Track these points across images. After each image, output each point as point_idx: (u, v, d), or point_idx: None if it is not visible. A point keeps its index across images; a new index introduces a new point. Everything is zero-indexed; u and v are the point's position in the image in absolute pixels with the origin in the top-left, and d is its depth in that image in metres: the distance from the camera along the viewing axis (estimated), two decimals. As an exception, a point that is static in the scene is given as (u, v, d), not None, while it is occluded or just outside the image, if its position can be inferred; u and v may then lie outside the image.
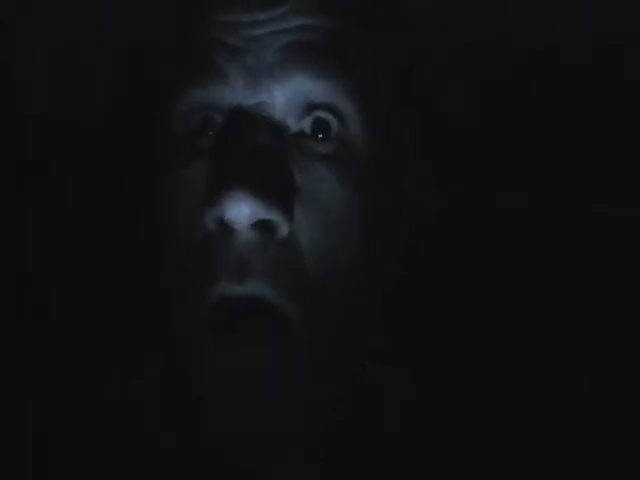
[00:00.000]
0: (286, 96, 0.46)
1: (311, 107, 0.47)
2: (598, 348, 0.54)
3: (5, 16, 0.61)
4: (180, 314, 0.47)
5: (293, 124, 0.47)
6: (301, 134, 0.47)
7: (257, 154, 0.45)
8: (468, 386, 0.51)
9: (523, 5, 0.61)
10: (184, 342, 0.47)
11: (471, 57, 0.60)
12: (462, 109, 0.58)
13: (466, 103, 0.59)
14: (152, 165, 0.52)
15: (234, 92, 0.46)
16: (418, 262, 0.52)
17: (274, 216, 0.44)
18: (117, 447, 0.50)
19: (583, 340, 0.54)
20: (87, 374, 0.53)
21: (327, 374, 0.46)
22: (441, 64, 0.58)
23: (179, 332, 0.47)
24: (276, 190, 0.44)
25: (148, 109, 0.54)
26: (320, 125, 0.47)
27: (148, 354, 0.52)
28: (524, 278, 0.56)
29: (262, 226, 0.44)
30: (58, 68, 0.62)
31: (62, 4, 0.62)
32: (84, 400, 0.52)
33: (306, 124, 0.47)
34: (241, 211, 0.43)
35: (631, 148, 0.59)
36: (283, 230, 0.45)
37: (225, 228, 0.44)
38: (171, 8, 0.53)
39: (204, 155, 0.47)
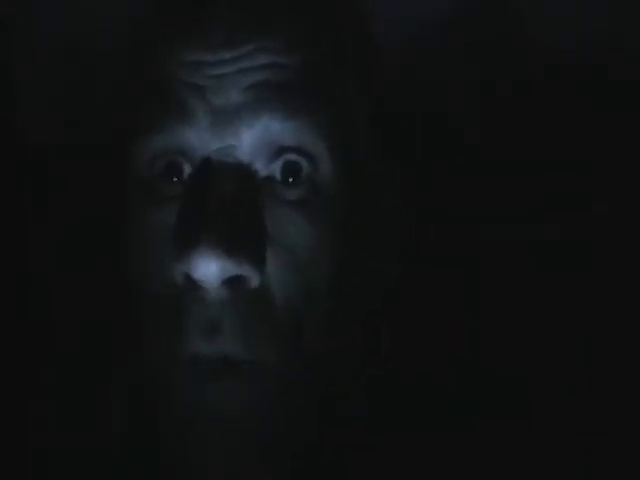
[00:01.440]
0: (254, 138, 0.45)
1: (280, 150, 0.45)
2: (598, 351, 0.53)
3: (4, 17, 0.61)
4: (150, 362, 0.46)
5: (261, 168, 0.45)
6: (270, 179, 0.45)
7: (225, 206, 0.43)
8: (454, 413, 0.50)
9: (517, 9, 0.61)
10: (153, 386, 0.46)
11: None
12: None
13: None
14: (117, 210, 0.50)
15: (199, 134, 0.45)
16: (393, 302, 0.51)
17: (245, 271, 0.42)
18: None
19: (583, 342, 0.54)
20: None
21: (297, 420, 0.45)
22: (415, 97, 0.57)
23: (148, 376, 0.46)
24: (247, 244, 0.43)
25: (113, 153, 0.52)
26: (290, 169, 0.45)
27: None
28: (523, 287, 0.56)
29: (232, 280, 0.43)
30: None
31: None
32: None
33: (276, 168, 0.45)
34: (210, 269, 0.41)
35: (632, 148, 0.58)
36: (254, 282, 0.43)
37: (193, 283, 0.42)
38: (130, 47, 0.51)
39: (169, 203, 0.45)
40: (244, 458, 0.44)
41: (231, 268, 0.42)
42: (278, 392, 0.44)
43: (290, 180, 0.45)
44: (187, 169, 0.45)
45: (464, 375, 0.52)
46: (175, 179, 0.46)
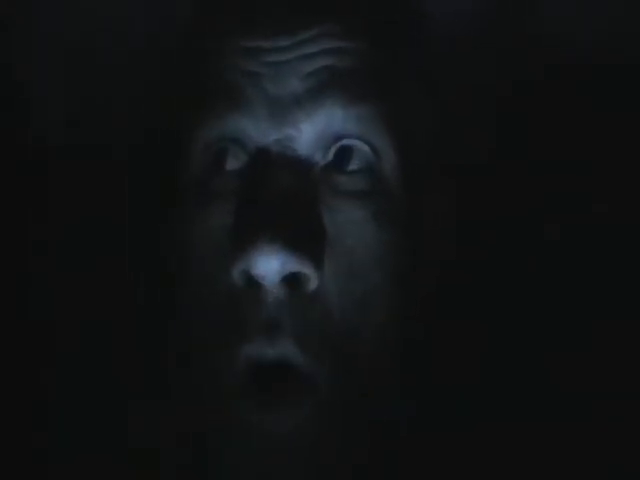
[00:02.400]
0: (314, 128, 0.43)
1: (339, 139, 0.43)
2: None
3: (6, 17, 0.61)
4: (199, 376, 0.44)
5: (320, 158, 0.44)
6: (329, 168, 0.44)
7: (285, 201, 0.42)
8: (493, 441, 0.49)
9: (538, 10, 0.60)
10: (203, 405, 0.44)
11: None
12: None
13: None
14: (164, 211, 0.49)
15: (257, 123, 0.43)
16: (447, 313, 0.50)
17: (305, 268, 0.41)
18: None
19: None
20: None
21: (354, 435, 0.44)
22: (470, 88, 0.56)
23: (198, 395, 0.45)
24: (307, 240, 0.41)
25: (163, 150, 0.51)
26: (347, 154, 0.43)
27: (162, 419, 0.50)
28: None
29: (291, 279, 0.41)
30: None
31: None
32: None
33: (332, 154, 0.43)
34: (271, 266, 0.40)
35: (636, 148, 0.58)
36: (313, 282, 0.42)
37: (252, 282, 0.41)
38: (185, 35, 0.50)
39: (221, 198, 0.44)
40: (298, 473, 0.42)
41: (292, 264, 0.41)
42: (332, 412, 0.42)
43: (349, 168, 0.43)
44: (240, 158, 0.44)
45: (513, 386, 0.51)
46: (228, 168, 0.44)
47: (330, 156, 0.44)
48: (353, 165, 0.44)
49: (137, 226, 0.56)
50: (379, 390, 0.44)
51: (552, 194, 0.57)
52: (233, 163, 0.44)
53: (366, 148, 0.44)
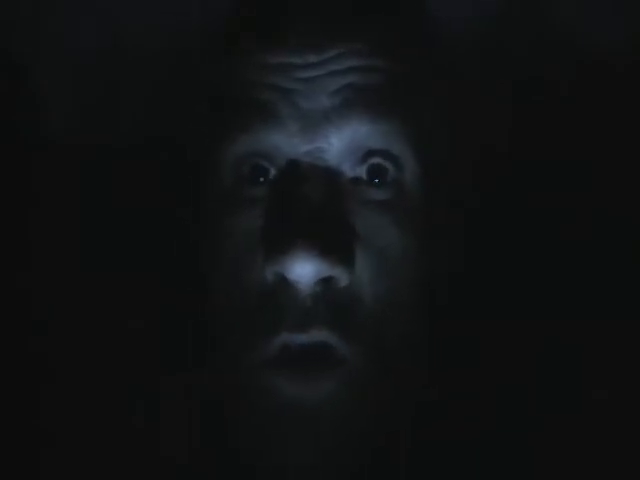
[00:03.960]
0: (342, 142, 0.45)
1: (367, 154, 0.46)
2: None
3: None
4: (231, 364, 0.46)
5: (348, 170, 0.46)
6: (357, 180, 0.46)
7: (317, 208, 0.44)
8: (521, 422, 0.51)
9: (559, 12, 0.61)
10: (233, 393, 0.46)
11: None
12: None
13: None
14: (196, 215, 0.51)
15: (289, 138, 0.45)
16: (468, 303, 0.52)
17: (337, 273, 0.44)
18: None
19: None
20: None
21: (383, 414, 0.46)
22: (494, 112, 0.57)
23: (228, 382, 0.47)
24: (339, 246, 0.44)
25: (193, 157, 0.53)
26: (376, 171, 0.46)
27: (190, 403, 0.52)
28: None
29: (324, 279, 0.44)
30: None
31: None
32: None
33: (362, 171, 0.46)
34: (305, 272, 0.43)
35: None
36: (344, 281, 0.44)
37: (285, 281, 0.44)
38: (216, 51, 0.51)
39: (254, 204, 0.46)
40: (326, 449, 0.44)
41: (325, 270, 0.43)
42: (360, 386, 0.44)
43: (376, 181, 0.46)
44: (273, 172, 0.46)
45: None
46: (261, 179, 0.46)
47: (361, 174, 0.46)
48: (379, 179, 0.46)
49: (166, 227, 0.58)
50: (406, 371, 0.47)
51: (567, 198, 0.58)
52: (264, 176, 0.46)
53: (391, 164, 0.46)
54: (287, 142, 0.45)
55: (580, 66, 0.60)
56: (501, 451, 0.50)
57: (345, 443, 0.45)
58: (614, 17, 0.61)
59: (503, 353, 0.53)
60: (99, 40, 0.61)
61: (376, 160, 0.46)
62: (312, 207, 0.44)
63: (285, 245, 0.43)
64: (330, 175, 0.45)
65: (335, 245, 0.44)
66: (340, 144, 0.45)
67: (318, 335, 0.43)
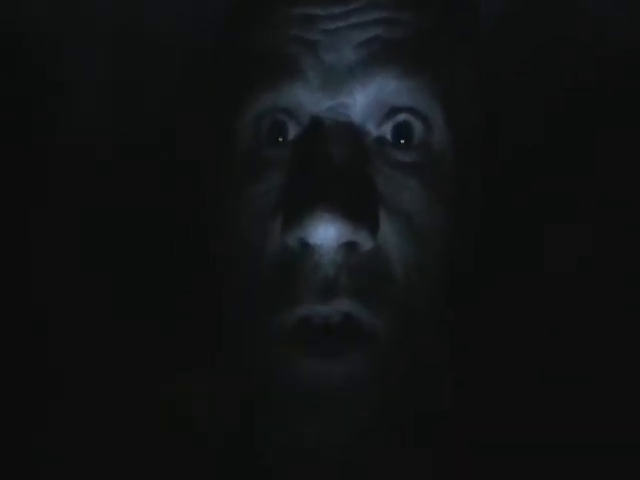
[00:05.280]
0: (367, 98, 0.43)
1: (393, 111, 0.43)
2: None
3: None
4: (249, 338, 0.44)
5: (373, 129, 0.44)
6: (381, 140, 0.44)
7: (340, 169, 0.42)
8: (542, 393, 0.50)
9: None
10: (255, 364, 0.44)
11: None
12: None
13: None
14: (212, 181, 0.49)
15: (310, 93, 0.43)
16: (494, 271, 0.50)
17: (361, 237, 0.41)
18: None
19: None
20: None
21: (410, 387, 0.44)
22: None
23: (249, 355, 0.45)
24: (363, 209, 0.42)
25: (207, 119, 0.51)
26: (402, 130, 0.44)
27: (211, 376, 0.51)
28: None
29: (346, 244, 0.41)
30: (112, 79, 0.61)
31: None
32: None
33: (387, 129, 0.44)
34: (328, 233, 0.40)
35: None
36: (368, 245, 0.42)
37: (306, 247, 0.41)
38: (236, 3, 0.49)
39: (273, 167, 0.44)
40: (345, 428, 0.42)
41: (348, 233, 0.41)
42: (387, 361, 0.42)
43: (402, 142, 0.44)
44: (293, 129, 0.44)
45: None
46: (280, 139, 0.44)
47: (387, 132, 0.44)
48: (406, 139, 0.44)
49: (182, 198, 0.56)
50: (431, 345, 0.45)
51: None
52: (286, 135, 0.44)
53: (419, 122, 0.44)
54: (309, 97, 0.43)
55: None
56: (527, 425, 0.49)
57: (370, 423, 0.43)
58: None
59: (528, 329, 0.52)
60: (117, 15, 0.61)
61: (402, 117, 0.44)
62: (335, 167, 0.42)
63: (306, 207, 0.41)
64: (354, 133, 0.43)
65: (359, 207, 0.41)
66: (364, 100, 0.43)
67: (341, 306, 0.41)
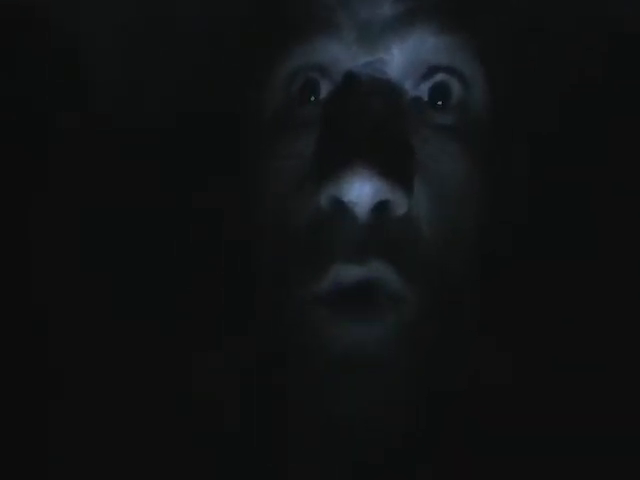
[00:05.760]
0: (405, 54, 0.41)
1: (431, 70, 0.42)
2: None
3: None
4: (278, 301, 0.43)
5: (410, 88, 0.42)
6: (418, 100, 0.42)
7: (376, 126, 0.40)
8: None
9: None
10: (283, 327, 0.43)
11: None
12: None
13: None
14: (240, 143, 0.48)
15: (346, 48, 0.42)
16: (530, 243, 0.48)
17: (396, 196, 0.40)
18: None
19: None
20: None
21: (440, 354, 0.42)
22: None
23: (277, 318, 0.43)
24: (399, 168, 0.40)
25: (237, 78, 0.49)
26: (440, 91, 0.42)
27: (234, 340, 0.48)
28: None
29: (380, 205, 0.40)
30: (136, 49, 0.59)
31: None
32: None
33: (424, 90, 0.42)
34: (363, 192, 0.39)
35: None
36: (402, 209, 0.40)
37: (339, 208, 0.40)
38: None
39: (305, 126, 0.43)
40: (377, 394, 0.41)
41: (384, 191, 0.39)
42: (418, 329, 0.41)
43: (439, 103, 0.43)
44: (325, 88, 0.43)
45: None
46: (312, 98, 0.43)
47: (424, 93, 0.42)
48: (444, 100, 0.43)
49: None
50: (464, 315, 0.44)
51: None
52: (318, 94, 0.43)
53: (457, 83, 0.43)
54: (344, 53, 0.42)
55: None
56: (558, 402, 0.46)
57: (401, 391, 0.41)
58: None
59: (566, 298, 0.49)
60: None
61: (440, 77, 0.42)
62: (371, 122, 0.40)
63: (341, 164, 0.39)
64: (392, 90, 0.42)
65: (396, 165, 0.40)
66: (402, 57, 0.42)
67: (374, 269, 0.40)
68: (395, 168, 0.40)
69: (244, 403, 0.47)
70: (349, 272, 0.40)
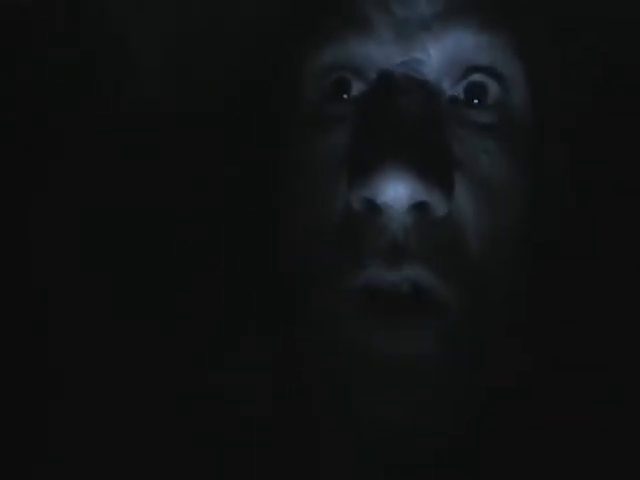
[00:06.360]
0: (443, 54, 0.40)
1: (469, 70, 0.41)
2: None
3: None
4: (307, 310, 0.42)
5: (448, 88, 0.41)
6: (455, 99, 0.41)
7: (412, 125, 0.39)
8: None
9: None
10: (317, 330, 0.41)
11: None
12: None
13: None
14: (272, 138, 0.47)
15: (381, 47, 0.41)
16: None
17: (435, 198, 0.38)
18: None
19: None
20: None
21: (482, 361, 0.41)
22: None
23: (309, 320, 0.42)
24: (437, 168, 0.38)
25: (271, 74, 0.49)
26: (475, 90, 0.41)
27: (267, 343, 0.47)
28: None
29: (418, 207, 0.38)
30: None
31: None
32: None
33: (460, 89, 0.41)
34: (398, 193, 0.37)
35: None
36: (442, 211, 0.39)
37: (374, 209, 0.39)
38: None
39: (339, 123, 0.41)
40: (414, 403, 0.39)
41: (421, 193, 0.38)
42: (457, 334, 0.39)
43: (475, 102, 0.41)
44: (357, 87, 0.42)
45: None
46: (345, 96, 0.42)
47: (460, 91, 0.41)
48: (480, 99, 0.42)
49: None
50: (508, 320, 0.42)
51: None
52: (349, 93, 0.42)
53: (494, 82, 0.41)
54: (379, 52, 0.41)
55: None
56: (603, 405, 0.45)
57: (440, 403, 0.40)
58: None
59: (612, 304, 0.48)
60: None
61: (477, 77, 0.41)
62: (406, 122, 0.39)
63: (376, 163, 0.38)
64: (428, 90, 0.40)
65: (433, 166, 0.38)
66: (439, 57, 0.41)
67: (409, 273, 0.38)
68: (431, 168, 0.38)
69: (275, 403, 0.46)
70: (384, 277, 0.38)
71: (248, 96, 0.51)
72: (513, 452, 0.43)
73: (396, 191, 0.38)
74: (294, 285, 0.43)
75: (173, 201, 0.53)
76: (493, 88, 0.41)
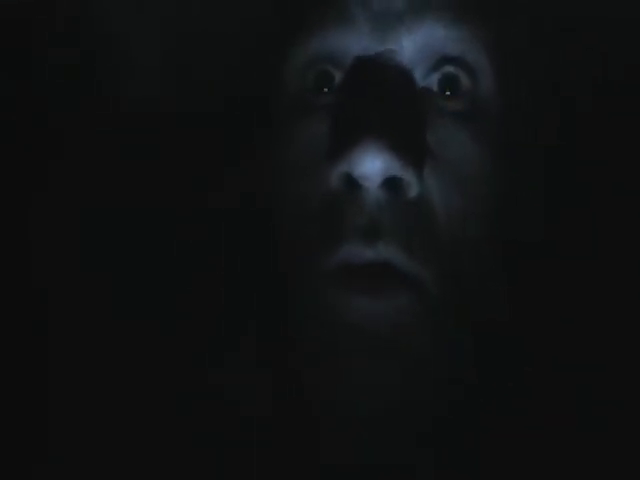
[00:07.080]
0: (415, 45, 0.43)
1: (440, 61, 0.43)
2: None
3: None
4: (293, 281, 0.43)
5: (420, 78, 0.43)
6: (428, 90, 0.43)
7: (389, 105, 0.41)
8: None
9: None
10: (298, 308, 0.43)
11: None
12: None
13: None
14: (258, 127, 0.48)
15: (359, 38, 0.43)
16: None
17: (407, 174, 0.40)
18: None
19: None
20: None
21: (453, 342, 0.42)
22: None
23: (292, 299, 0.44)
24: (411, 147, 0.41)
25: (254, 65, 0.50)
26: (448, 81, 0.43)
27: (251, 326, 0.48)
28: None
29: (392, 185, 0.40)
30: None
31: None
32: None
33: (433, 81, 0.43)
34: (374, 165, 0.39)
35: None
36: (414, 189, 0.41)
37: (351, 186, 0.41)
38: None
39: (320, 112, 0.43)
40: (387, 381, 0.41)
41: (395, 167, 0.40)
42: (430, 313, 0.41)
43: (448, 93, 0.43)
44: (339, 78, 0.44)
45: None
46: (325, 89, 0.44)
47: (433, 83, 0.43)
48: (451, 90, 0.44)
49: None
50: (481, 300, 0.44)
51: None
52: (332, 85, 0.44)
53: (465, 74, 0.44)
54: (357, 43, 0.43)
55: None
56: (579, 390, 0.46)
57: (414, 377, 0.41)
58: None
59: (585, 289, 0.49)
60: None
61: (449, 69, 0.43)
62: (385, 102, 0.41)
63: (353, 138, 0.40)
64: (404, 73, 0.43)
65: (407, 142, 0.40)
66: (412, 48, 0.43)
67: (385, 251, 0.40)
68: (406, 144, 0.40)
69: (275, 403, 0.46)
70: (359, 253, 0.40)
71: (248, 96, 0.51)
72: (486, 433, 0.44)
73: (372, 164, 0.39)
74: (282, 264, 0.45)
75: (173, 201, 0.54)
76: (464, 79, 0.43)
